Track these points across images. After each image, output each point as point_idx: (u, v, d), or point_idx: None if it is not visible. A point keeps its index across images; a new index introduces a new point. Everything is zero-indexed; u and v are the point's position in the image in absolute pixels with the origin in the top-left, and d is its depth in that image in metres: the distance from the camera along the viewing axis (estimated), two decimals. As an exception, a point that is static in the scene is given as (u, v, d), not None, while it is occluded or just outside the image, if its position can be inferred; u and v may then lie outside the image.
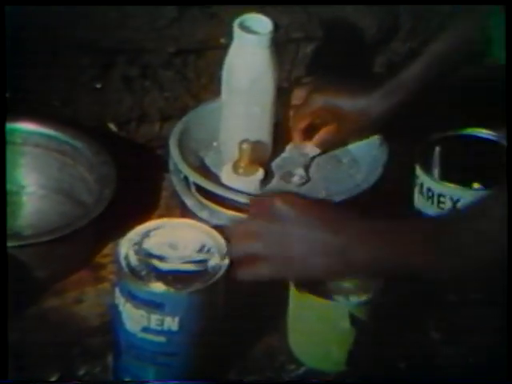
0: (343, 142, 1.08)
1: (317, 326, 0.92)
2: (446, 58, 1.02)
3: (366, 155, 1.07)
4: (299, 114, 1.07)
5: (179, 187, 1.05)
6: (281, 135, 1.09)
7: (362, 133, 1.07)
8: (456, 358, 0.92)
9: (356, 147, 1.09)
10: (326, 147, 1.08)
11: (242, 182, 1.04)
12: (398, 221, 0.85)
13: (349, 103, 1.04)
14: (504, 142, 1.06)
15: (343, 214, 0.86)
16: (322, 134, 1.07)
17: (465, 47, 1.01)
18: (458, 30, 1.02)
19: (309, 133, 1.08)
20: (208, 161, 1.08)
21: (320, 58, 1.20)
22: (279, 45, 1.08)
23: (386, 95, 1.02)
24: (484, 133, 1.08)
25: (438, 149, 1.07)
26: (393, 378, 0.90)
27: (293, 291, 0.93)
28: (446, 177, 1.05)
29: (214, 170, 1.07)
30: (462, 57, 1.02)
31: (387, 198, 1.03)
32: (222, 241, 0.91)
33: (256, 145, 1.05)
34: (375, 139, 1.07)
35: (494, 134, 1.08)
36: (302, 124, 1.07)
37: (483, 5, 0.98)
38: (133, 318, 0.88)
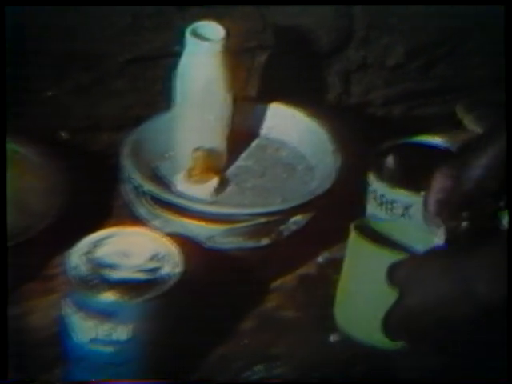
0: None
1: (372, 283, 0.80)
2: None
3: (320, 162, 1.07)
4: None
5: (131, 196, 1.04)
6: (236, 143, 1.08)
7: None
8: (455, 357, 0.90)
9: (311, 155, 1.10)
10: None
11: (196, 190, 1.03)
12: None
13: None
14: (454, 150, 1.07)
15: None
16: None
17: None
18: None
19: None
20: (162, 170, 1.07)
21: (275, 67, 1.20)
22: (235, 53, 1.07)
23: None
24: (435, 140, 1.09)
25: (390, 156, 1.08)
26: (389, 377, 0.88)
27: (353, 237, 0.85)
28: (398, 183, 1.05)
29: (168, 179, 1.06)
30: None
31: (341, 203, 1.03)
32: (174, 249, 0.90)
33: (210, 152, 1.04)
34: (329, 146, 1.07)
35: (444, 141, 1.09)
36: None
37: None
38: (82, 329, 0.86)
